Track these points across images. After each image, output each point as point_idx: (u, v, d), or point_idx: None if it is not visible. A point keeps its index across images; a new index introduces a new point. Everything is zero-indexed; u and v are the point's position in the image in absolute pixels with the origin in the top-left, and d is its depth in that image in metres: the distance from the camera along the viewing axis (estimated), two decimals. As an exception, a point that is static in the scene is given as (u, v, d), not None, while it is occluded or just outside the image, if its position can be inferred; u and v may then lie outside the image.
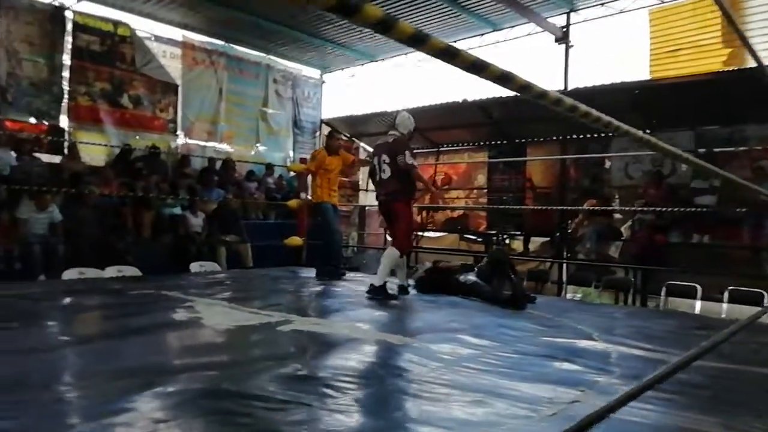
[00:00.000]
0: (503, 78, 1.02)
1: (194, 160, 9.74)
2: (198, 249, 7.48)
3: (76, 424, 1.75)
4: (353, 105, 12.81)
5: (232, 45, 10.83)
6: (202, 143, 10.44)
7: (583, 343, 3.10)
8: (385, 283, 4.57)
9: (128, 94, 9.32)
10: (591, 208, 8.10)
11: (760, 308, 4.12)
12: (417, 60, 11.39)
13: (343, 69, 12.51)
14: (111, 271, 5.58)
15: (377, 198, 5.05)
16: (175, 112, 10.01)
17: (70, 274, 5.26)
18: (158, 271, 6.02)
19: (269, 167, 10.37)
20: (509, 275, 4.49)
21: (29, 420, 1.75)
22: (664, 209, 6.70)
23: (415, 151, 5.18)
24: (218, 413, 1.85)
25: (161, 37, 9.89)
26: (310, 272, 6.19)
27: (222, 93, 10.66)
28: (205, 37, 10.45)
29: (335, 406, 1.98)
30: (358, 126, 12.99)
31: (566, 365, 2.65)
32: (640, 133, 1.49)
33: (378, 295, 4.45)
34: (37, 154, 7.70)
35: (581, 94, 8.46)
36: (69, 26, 8.70)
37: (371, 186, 13.61)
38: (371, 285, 4.54)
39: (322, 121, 12.82)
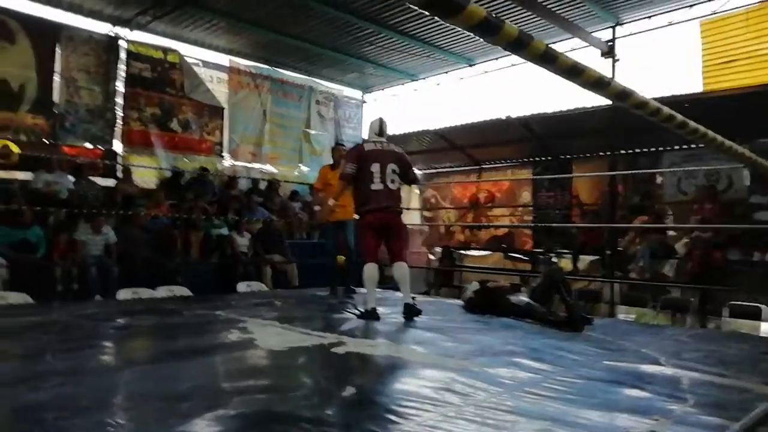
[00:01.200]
0: (598, 84, 0.98)
1: (240, 181, 9.94)
2: (244, 269, 7.58)
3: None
4: (395, 124, 12.84)
5: (275, 68, 11.08)
6: (248, 164, 10.67)
7: (651, 368, 2.95)
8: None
9: (177, 118, 9.63)
10: (642, 225, 7.83)
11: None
12: (458, 78, 11.39)
13: (383, 89, 12.62)
14: (162, 291, 5.69)
15: (378, 208, 4.48)
16: (222, 135, 10.29)
17: (124, 294, 5.40)
18: (206, 291, 6.11)
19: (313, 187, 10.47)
20: (564, 295, 4.34)
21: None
22: (720, 226, 6.40)
23: (456, 168, 5.19)
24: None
25: (208, 62, 10.22)
26: (359, 291, 6.19)
27: (266, 115, 10.90)
28: (250, 62, 10.73)
29: (398, 431, 1.92)
30: (399, 144, 12.96)
31: (635, 392, 2.52)
32: (737, 146, 1.40)
33: (418, 312, 4.43)
34: (92, 178, 8.00)
35: (627, 108, 8.26)
36: (123, 55, 9.08)
37: (413, 204, 13.61)
38: (408, 306, 4.46)
39: (363, 141, 12.89)
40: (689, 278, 7.27)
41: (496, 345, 3.47)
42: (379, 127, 4.81)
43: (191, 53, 10.00)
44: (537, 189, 10.95)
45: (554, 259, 9.84)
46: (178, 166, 9.10)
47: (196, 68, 10.00)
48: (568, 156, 10.38)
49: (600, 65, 8.79)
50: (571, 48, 9.55)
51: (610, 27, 8.83)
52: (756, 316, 5.79)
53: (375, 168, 4.46)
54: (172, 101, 9.60)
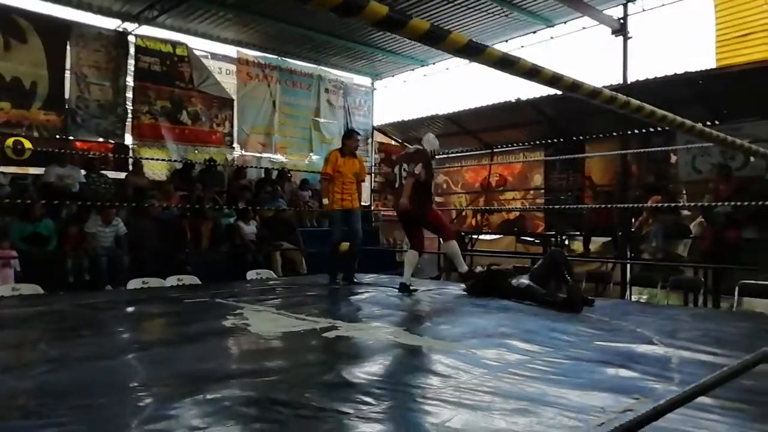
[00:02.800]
0: (554, 80, 0.97)
1: (250, 171, 10.01)
2: (253, 257, 7.65)
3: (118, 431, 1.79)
4: (405, 110, 12.81)
5: (284, 58, 11.08)
6: (258, 155, 10.74)
7: (642, 348, 2.91)
8: (470, 269, 5.38)
9: (187, 110, 9.72)
10: (656, 204, 7.67)
11: None
12: (467, 62, 11.25)
13: (393, 75, 12.54)
14: (171, 280, 5.79)
15: (396, 205, 5.30)
16: (231, 126, 10.36)
17: (134, 284, 5.50)
18: (216, 280, 6.19)
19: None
20: (565, 277, 4.30)
21: (73, 426, 1.80)
22: (734, 203, 6.23)
23: (466, 152, 5.61)
24: (251, 421, 1.84)
25: (217, 54, 10.27)
26: (361, 277, 6.20)
27: (275, 105, 10.93)
28: (258, 52, 10.75)
29: (371, 414, 1.93)
30: (410, 131, 12.98)
31: (621, 372, 2.49)
32: (697, 125, 1.36)
33: (469, 278, 5.10)
34: (104, 171, 8.14)
35: (640, 87, 8.08)
36: (132, 50, 9.17)
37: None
38: (460, 273, 5.30)
39: (374, 128, 12.89)
40: (703, 258, 7.12)
41: (490, 327, 3.46)
42: (424, 139, 5.52)
43: (199, 46, 10.06)
44: (549, 171, 10.81)
45: (566, 242, 9.74)
46: (188, 158, 9.19)
47: (204, 61, 10.05)
48: (580, 137, 10.21)
49: (612, 44, 8.61)
50: (581, 27, 9.38)
51: (622, 4, 8.60)
52: (768, 295, 5.66)
53: (397, 170, 5.35)
54: (182, 94, 9.68)
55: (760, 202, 6.43)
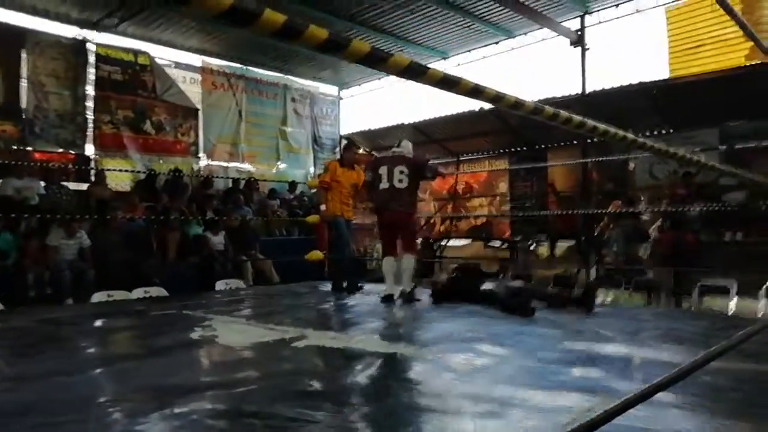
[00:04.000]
0: (474, 92, 1.01)
1: (217, 181, 9.89)
2: (222, 267, 7.56)
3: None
4: (371, 119, 12.88)
5: (249, 67, 11.03)
6: (224, 164, 10.62)
7: (607, 348, 2.99)
8: (414, 287, 4.98)
9: (150, 120, 9.56)
10: (616, 210, 7.90)
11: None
12: (433, 71, 11.39)
13: (360, 84, 12.61)
14: (138, 293, 5.66)
15: (384, 207, 5.08)
16: (197, 136, 10.24)
17: (98, 297, 5.37)
18: (184, 291, 6.09)
19: (292, 185, 10.49)
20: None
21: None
22: (690, 208, 6.48)
23: (435, 161, 5.52)
24: (221, 433, 1.82)
25: (180, 63, 10.15)
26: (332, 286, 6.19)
27: (241, 114, 10.85)
28: (223, 61, 10.67)
29: (341, 422, 1.94)
30: (377, 139, 13.03)
31: (587, 372, 2.56)
32: (629, 136, 1.43)
33: (412, 300, 4.83)
34: (64, 183, 7.92)
35: (599, 96, 8.33)
36: (91, 58, 8.98)
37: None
38: (403, 293, 4.91)
39: (341, 137, 12.92)
40: (663, 260, 7.36)
41: (458, 332, 3.51)
42: (398, 142, 5.40)
43: (162, 54, 9.92)
44: (513, 179, 11.02)
45: (532, 247, 9.93)
46: (153, 168, 9.03)
47: (167, 70, 9.92)
48: (543, 146, 10.44)
49: (571, 54, 8.86)
50: (541, 38, 9.63)
51: (579, 16, 8.87)
52: (726, 293, 5.89)
53: (384, 171, 5.02)
54: (145, 103, 9.52)
55: (717, 206, 6.71)
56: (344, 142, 12.86)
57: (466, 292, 4.69)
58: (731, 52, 8.10)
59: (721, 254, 7.20)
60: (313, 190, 10.06)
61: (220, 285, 6.50)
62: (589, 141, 8.88)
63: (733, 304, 5.57)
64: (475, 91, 0.96)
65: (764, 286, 5.41)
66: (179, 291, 5.97)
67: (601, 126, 1.21)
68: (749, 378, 2.39)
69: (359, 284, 5.96)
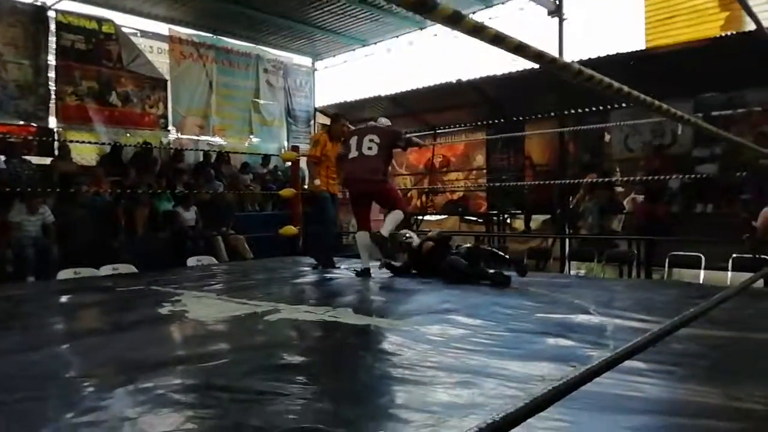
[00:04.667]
0: (519, 48, 0.93)
1: (187, 154, 9.65)
2: (194, 243, 7.42)
3: (38, 426, 1.67)
4: (347, 91, 12.65)
5: (220, 37, 10.67)
6: (195, 137, 10.32)
7: (579, 318, 3.00)
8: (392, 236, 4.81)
9: (116, 91, 9.20)
10: (592, 181, 7.95)
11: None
12: (408, 42, 11.22)
13: (334, 55, 12.34)
14: (106, 270, 5.52)
15: (352, 177, 4.93)
16: (165, 108, 9.88)
17: (64, 275, 5.21)
18: (155, 268, 5.95)
19: (266, 158, 10.29)
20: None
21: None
22: (664, 178, 6.53)
23: (412, 134, 5.37)
24: (186, 408, 1.76)
25: (147, 32, 9.77)
26: (307, 261, 6.12)
27: (212, 86, 10.52)
28: (192, 30, 10.30)
29: (313, 395, 1.89)
30: (353, 112, 12.82)
31: (560, 341, 2.56)
32: (647, 98, 1.37)
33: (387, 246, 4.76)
34: (26, 157, 7.62)
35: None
36: (52, 26, 8.56)
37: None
38: (377, 235, 4.72)
39: (315, 110, 12.69)
40: (636, 232, 7.45)
41: (434, 304, 3.48)
42: (376, 119, 5.34)
43: (128, 23, 9.51)
44: (491, 152, 10.98)
45: (508, 220, 9.99)
46: (120, 142, 8.73)
47: (134, 39, 9.53)
48: (520, 117, 10.40)
49: (548, 24, 8.78)
50: (518, 8, 9.52)
51: (557, -15, 8.76)
52: (696, 264, 5.99)
53: (354, 141, 4.87)
54: (110, 74, 9.14)
55: (688, 176, 6.78)
56: (321, 118, 12.70)
57: (435, 263, 4.63)
58: (706, 22, 8.11)
59: (692, 226, 7.32)
60: (288, 164, 9.88)
61: (191, 261, 6.37)
62: (566, 113, 8.87)
63: (702, 276, 5.66)
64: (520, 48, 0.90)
65: (731, 258, 5.50)
66: (149, 268, 5.83)
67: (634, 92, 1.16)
68: (718, 344, 2.41)
69: (333, 260, 5.85)
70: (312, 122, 12.52)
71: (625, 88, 1.28)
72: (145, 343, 2.64)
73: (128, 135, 9.27)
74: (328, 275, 5.09)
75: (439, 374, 2.10)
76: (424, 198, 11.46)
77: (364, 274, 4.82)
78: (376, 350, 2.47)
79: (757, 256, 5.22)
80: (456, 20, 0.86)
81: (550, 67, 1.01)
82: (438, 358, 2.31)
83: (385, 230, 4.69)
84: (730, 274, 5.52)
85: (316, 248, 6.01)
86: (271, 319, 3.04)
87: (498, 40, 0.92)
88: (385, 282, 4.63)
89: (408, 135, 5.16)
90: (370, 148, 4.75)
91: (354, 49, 11.85)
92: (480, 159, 11.25)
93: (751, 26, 7.29)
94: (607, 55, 8.32)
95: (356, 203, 5.11)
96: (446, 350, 2.44)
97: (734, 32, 7.55)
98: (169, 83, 9.92)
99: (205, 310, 3.29)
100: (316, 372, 2.15)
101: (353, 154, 4.85)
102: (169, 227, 7.58)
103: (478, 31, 0.87)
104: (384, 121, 5.30)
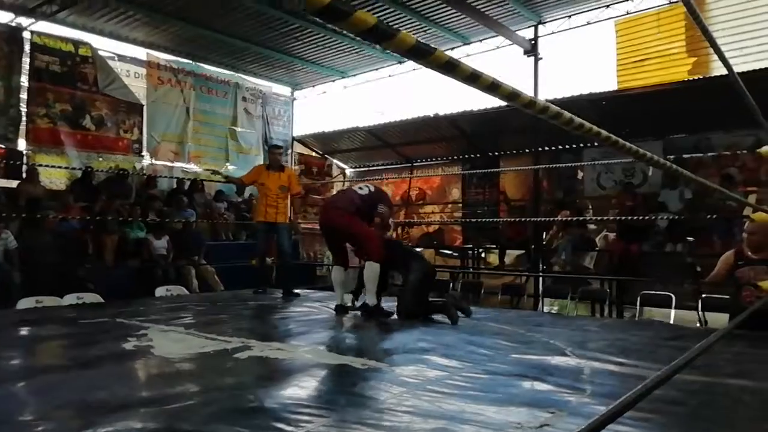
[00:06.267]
0: (492, 87, 0.93)
1: (161, 181, 9.48)
2: (164, 273, 7.23)
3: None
4: (325, 122, 12.73)
5: (199, 63, 10.66)
6: (169, 163, 10.19)
7: (556, 360, 2.97)
8: (380, 301, 4.58)
9: (90, 115, 9.06)
10: (565, 219, 8.05)
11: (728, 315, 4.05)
12: (388, 75, 11.36)
13: (314, 86, 12.43)
14: (70, 299, 5.32)
15: (323, 207, 4.99)
16: (140, 133, 9.77)
17: (25, 303, 5.00)
18: (122, 297, 5.77)
19: (241, 187, 10.19)
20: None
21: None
22: (636, 218, 6.66)
23: (388, 166, 5.20)
24: (148, 457, 1.66)
25: (124, 56, 9.70)
26: (280, 294, 6.01)
27: (189, 112, 10.46)
28: (171, 56, 10.27)
29: (283, 442, 1.80)
30: (330, 143, 12.90)
31: (537, 385, 2.51)
32: (620, 140, 1.38)
33: (379, 315, 4.41)
34: (-7, 179, 7.41)
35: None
36: (27, 47, 8.44)
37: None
38: (365, 306, 4.48)
39: (293, 139, 12.69)
40: (607, 270, 7.54)
41: (409, 342, 3.42)
42: None
43: (105, 46, 9.45)
44: (466, 186, 11.09)
45: (483, 254, 10.01)
46: (92, 166, 8.54)
47: (111, 62, 9.46)
48: (496, 153, 10.56)
49: (524, 63, 9.00)
50: (495, 46, 9.75)
51: (533, 26, 9.03)
52: (667, 304, 6.04)
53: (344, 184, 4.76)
54: (85, 97, 9.02)
55: (663, 216, 6.91)
56: (299, 148, 12.73)
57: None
58: (675, 66, 8.41)
59: (662, 265, 7.44)
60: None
61: (160, 291, 6.20)
62: (541, 149, 9.04)
63: (673, 315, 5.72)
64: (494, 86, 0.91)
65: (700, 299, 5.57)
66: (116, 297, 5.66)
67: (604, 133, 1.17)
68: (695, 390, 2.39)
69: (293, 292, 5.84)
70: (290, 151, 12.50)
71: (594, 128, 1.29)
72: (107, 382, 2.51)
73: (100, 159, 9.10)
74: (301, 309, 4.98)
75: (414, 419, 2.04)
76: (399, 230, 11.45)
77: (340, 310, 4.69)
78: (350, 393, 2.39)
79: (702, 296, 5.34)
80: (451, 67, 0.86)
81: (520, 107, 1.02)
82: (413, 402, 2.24)
83: (371, 298, 4.45)
84: (700, 313, 5.57)
85: (259, 276, 6.11)
86: (240, 356, 2.94)
87: (473, 78, 0.92)
88: (357, 318, 4.54)
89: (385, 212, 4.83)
90: (361, 188, 4.70)
91: (334, 81, 11.95)
92: (456, 192, 11.35)
93: (717, 71, 7.60)
94: (581, 95, 8.55)
95: (326, 237, 4.93)
96: (422, 393, 2.37)
97: (701, 77, 7.84)
98: (145, 108, 9.82)
99: (172, 345, 3.16)
100: (286, 416, 2.06)
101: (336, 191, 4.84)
102: (140, 256, 7.39)
103: (450, 69, 0.87)
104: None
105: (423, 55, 0.82)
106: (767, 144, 3.99)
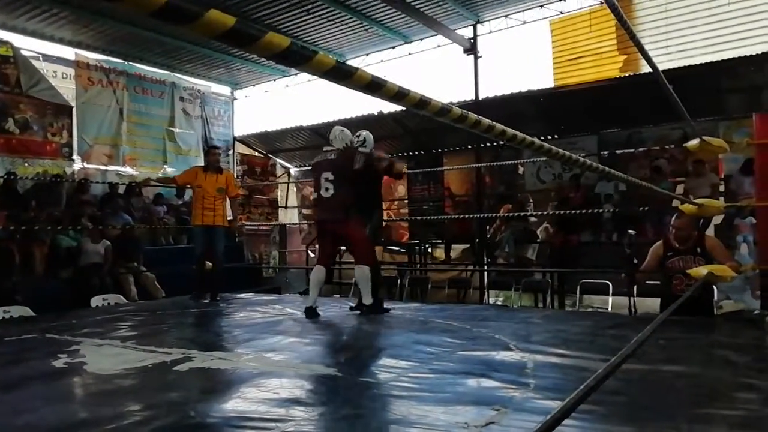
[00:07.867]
0: (398, 96, 0.93)
1: (94, 185, 9.04)
2: (101, 281, 6.89)
3: None
4: (268, 121, 12.50)
5: (132, 63, 10.23)
6: (102, 167, 9.72)
7: (501, 355, 3.01)
8: (379, 299, 4.66)
9: (14, 118, 8.52)
10: (507, 213, 8.23)
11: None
12: (330, 74, 11.26)
13: (254, 85, 12.18)
14: (-6, 313, 4.98)
15: (320, 217, 4.77)
16: (70, 136, 9.27)
17: (-56, 320, 4.64)
18: (54, 310, 5.44)
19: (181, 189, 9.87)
20: None
21: None
22: (577, 211, 6.87)
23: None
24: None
25: (50, 56, 9.18)
26: (227, 297, 5.86)
27: (123, 113, 10.02)
28: (101, 55, 9.80)
29: (225, 459, 1.74)
30: (274, 142, 12.70)
31: (483, 381, 2.54)
32: (536, 141, 1.41)
33: (377, 312, 4.49)
34: None
35: (490, 103, 8.64)
36: (-60, 47, 7.86)
37: (291, 202, 13.32)
38: (362, 305, 4.54)
39: (235, 139, 12.41)
40: (548, 261, 7.77)
41: (357, 344, 3.40)
42: (330, 137, 4.78)
43: (28, 46, 8.91)
44: (412, 183, 11.16)
45: (429, 249, 10.11)
46: (16, 172, 8.04)
47: (35, 62, 8.92)
48: (439, 150, 10.68)
49: (464, 62, 9.12)
50: (436, 45, 9.84)
51: (471, 25, 9.16)
52: (604, 291, 6.28)
53: (316, 177, 4.64)
54: (7, 99, 8.46)
55: (602, 210, 7.16)
56: (240, 148, 12.45)
57: None
58: (607, 64, 8.75)
59: (599, 254, 7.73)
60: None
61: (96, 301, 5.89)
62: (482, 146, 9.19)
63: (610, 302, 5.94)
64: (399, 95, 0.90)
65: (635, 286, 5.81)
66: (48, 310, 5.32)
67: (510, 130, 1.19)
68: (633, 378, 2.48)
69: (218, 297, 5.74)
70: (231, 152, 12.21)
71: (527, 138, 1.32)
72: (35, 404, 2.35)
73: (26, 165, 8.58)
74: (244, 314, 4.85)
75: (360, 427, 2.01)
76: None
77: (310, 313, 4.46)
78: (297, 401, 2.34)
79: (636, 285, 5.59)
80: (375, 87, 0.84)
81: (450, 122, 1.02)
82: (361, 408, 2.22)
83: (366, 298, 4.52)
84: (634, 299, 5.81)
85: (197, 281, 5.89)
86: (181, 369, 2.82)
87: (399, 96, 0.92)
88: (308, 321, 4.46)
89: (372, 152, 4.70)
90: (327, 189, 4.53)
91: (275, 79, 11.76)
92: (401, 189, 11.41)
93: (646, 68, 7.95)
94: (520, 92, 8.76)
95: (320, 236, 4.95)
96: (369, 398, 2.36)
97: (631, 74, 8.18)
98: (74, 110, 9.33)
99: (107, 360, 3.01)
100: (231, 431, 2.00)
101: (316, 194, 4.74)
102: (72, 265, 7.02)
103: (375, 89, 0.86)
104: (339, 137, 4.70)
105: (344, 76, 0.80)
106: (692, 137, 4.20)
